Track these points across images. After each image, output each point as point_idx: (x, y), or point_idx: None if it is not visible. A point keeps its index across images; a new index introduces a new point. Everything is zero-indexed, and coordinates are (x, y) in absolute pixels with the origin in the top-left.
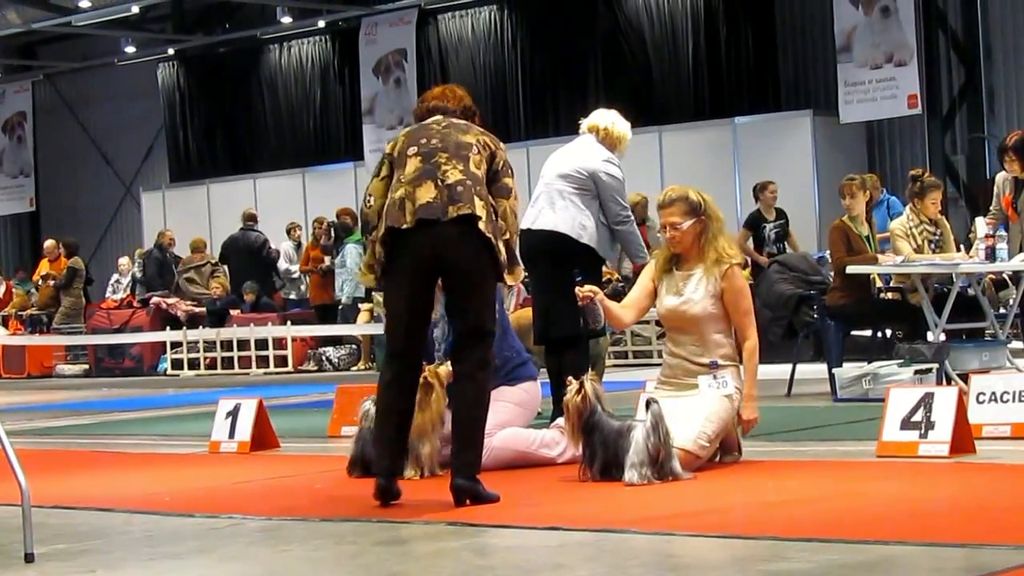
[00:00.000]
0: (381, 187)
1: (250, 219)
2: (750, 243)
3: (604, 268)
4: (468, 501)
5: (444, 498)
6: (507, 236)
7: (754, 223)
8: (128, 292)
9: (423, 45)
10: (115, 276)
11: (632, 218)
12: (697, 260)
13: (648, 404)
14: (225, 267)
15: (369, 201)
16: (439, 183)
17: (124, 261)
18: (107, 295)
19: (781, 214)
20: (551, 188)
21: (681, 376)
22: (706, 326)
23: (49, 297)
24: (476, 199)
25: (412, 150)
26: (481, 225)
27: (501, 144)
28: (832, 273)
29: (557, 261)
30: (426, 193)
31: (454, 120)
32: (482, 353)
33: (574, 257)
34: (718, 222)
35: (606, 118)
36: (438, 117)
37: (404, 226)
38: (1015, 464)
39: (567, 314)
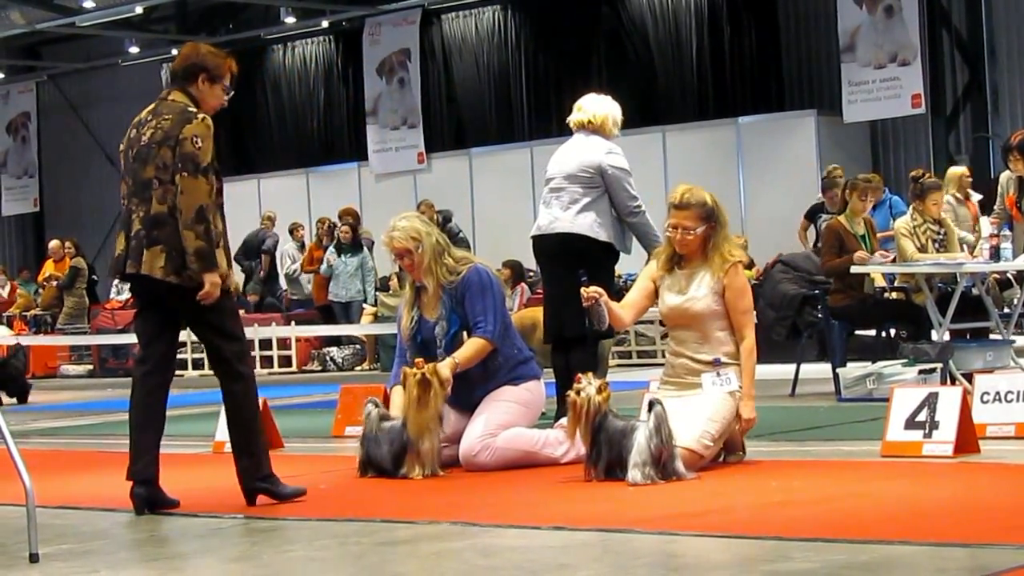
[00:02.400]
0: None
1: (265, 220)
2: (811, 233)
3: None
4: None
5: (447, 497)
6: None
7: (812, 214)
8: (122, 293)
9: (427, 45)
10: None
11: (643, 208)
12: (701, 260)
13: (651, 405)
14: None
15: None
16: (128, 233)
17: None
18: (111, 295)
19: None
20: (561, 191)
21: (684, 375)
22: (709, 323)
23: (53, 297)
24: (146, 251)
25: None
26: (158, 275)
27: (185, 131)
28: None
29: (574, 261)
30: (119, 246)
31: (145, 136)
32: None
33: (591, 256)
34: (726, 227)
35: (588, 109)
36: (137, 126)
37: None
38: (1019, 464)
39: (581, 313)
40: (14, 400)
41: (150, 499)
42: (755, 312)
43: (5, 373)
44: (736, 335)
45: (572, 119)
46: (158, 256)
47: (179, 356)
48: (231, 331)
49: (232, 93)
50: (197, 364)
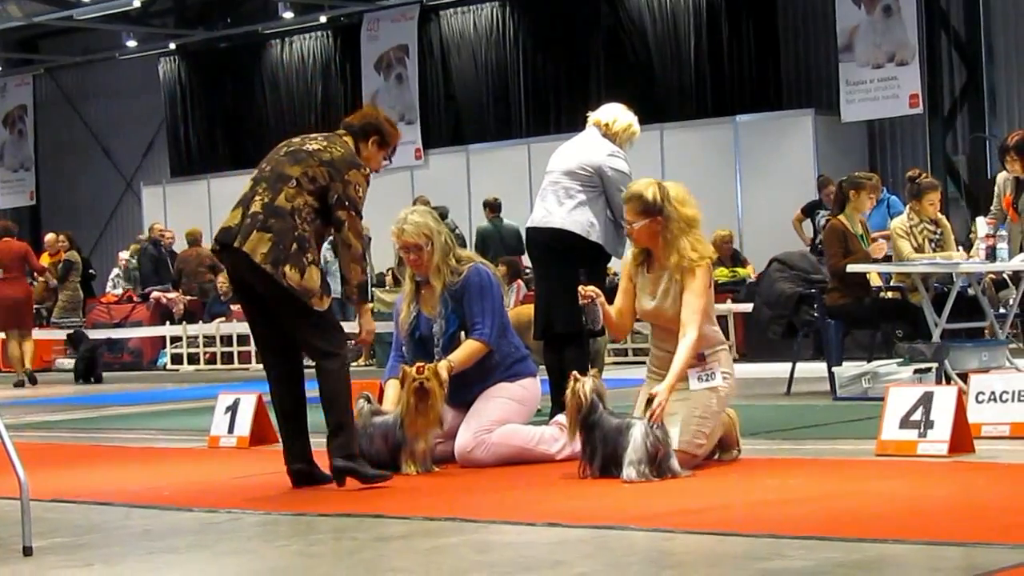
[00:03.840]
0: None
1: None
2: (807, 227)
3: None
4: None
5: (442, 493)
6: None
7: (810, 210)
8: (118, 288)
9: (425, 41)
10: (115, 271)
11: None
12: (664, 260)
13: (648, 402)
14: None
15: None
16: (245, 211)
17: (124, 255)
18: (107, 290)
19: None
20: (558, 186)
21: (669, 367)
22: None
23: (44, 291)
24: (256, 232)
25: (253, 173)
26: (257, 259)
27: (350, 175)
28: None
29: (563, 258)
30: (232, 218)
31: (309, 146)
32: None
33: (582, 254)
34: (680, 222)
35: (609, 113)
36: (303, 137)
37: (213, 246)
38: (1014, 464)
39: (570, 310)
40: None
41: (308, 475)
42: (752, 310)
43: (92, 360)
44: (681, 328)
45: (592, 115)
46: (264, 242)
47: (175, 351)
48: (325, 326)
49: (390, 164)
50: (192, 359)
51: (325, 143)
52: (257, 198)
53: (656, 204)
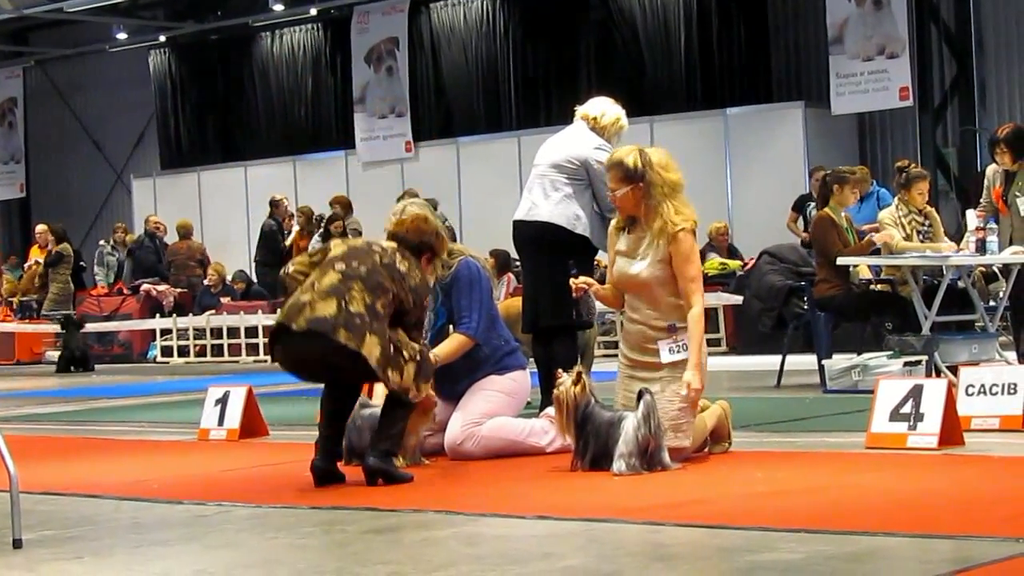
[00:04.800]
0: (306, 262)
1: (271, 205)
2: (800, 224)
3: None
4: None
5: (431, 486)
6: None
7: (800, 205)
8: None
9: (415, 34)
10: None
11: None
12: (647, 224)
13: (640, 395)
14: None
15: (290, 268)
16: (342, 303)
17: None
18: (97, 281)
19: None
20: (544, 178)
21: (642, 342)
22: (657, 290)
23: (32, 283)
24: (369, 334)
25: (340, 266)
26: (373, 363)
27: (426, 302)
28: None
29: (550, 251)
30: (326, 307)
31: (401, 266)
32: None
33: (568, 247)
34: (663, 187)
35: (597, 107)
36: (387, 245)
37: (295, 327)
38: (1003, 456)
39: (557, 303)
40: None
41: (331, 474)
42: (742, 303)
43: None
44: (684, 302)
45: (580, 110)
46: (375, 345)
47: (165, 343)
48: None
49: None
50: (183, 351)
51: (407, 266)
52: (355, 296)
53: (638, 170)
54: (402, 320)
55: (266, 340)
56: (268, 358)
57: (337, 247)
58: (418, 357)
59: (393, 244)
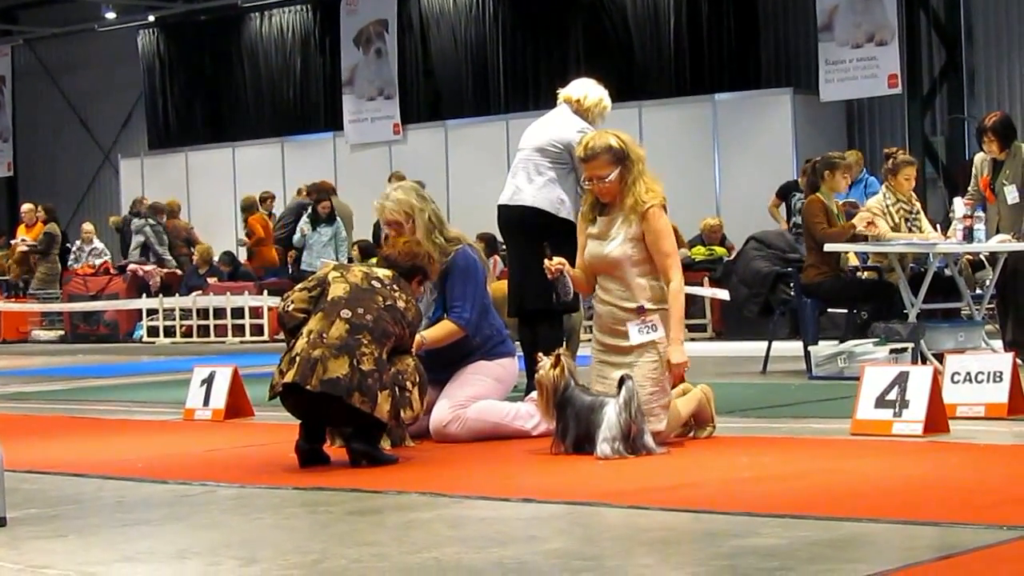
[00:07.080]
0: (305, 298)
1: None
2: (782, 211)
3: None
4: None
5: (416, 468)
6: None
7: (785, 193)
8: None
9: (404, 17)
10: (77, 243)
11: None
12: (620, 203)
13: (622, 380)
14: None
15: (289, 306)
16: (353, 363)
17: (88, 227)
18: (83, 260)
19: None
20: (528, 162)
21: (612, 324)
22: (628, 270)
23: (17, 262)
24: (381, 392)
25: (346, 314)
26: (384, 417)
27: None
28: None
29: (534, 235)
30: (338, 367)
31: (399, 303)
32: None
33: (552, 231)
34: (639, 163)
35: (580, 89)
36: (383, 275)
37: (309, 388)
38: (988, 444)
39: (542, 287)
40: None
41: (316, 454)
42: (728, 289)
43: None
44: (663, 278)
45: (563, 93)
46: (385, 399)
47: (151, 324)
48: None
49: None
50: (168, 331)
51: (406, 301)
52: (365, 352)
53: (623, 149)
54: (396, 345)
55: (252, 321)
56: (254, 339)
57: (337, 284)
58: (417, 378)
59: (388, 272)
